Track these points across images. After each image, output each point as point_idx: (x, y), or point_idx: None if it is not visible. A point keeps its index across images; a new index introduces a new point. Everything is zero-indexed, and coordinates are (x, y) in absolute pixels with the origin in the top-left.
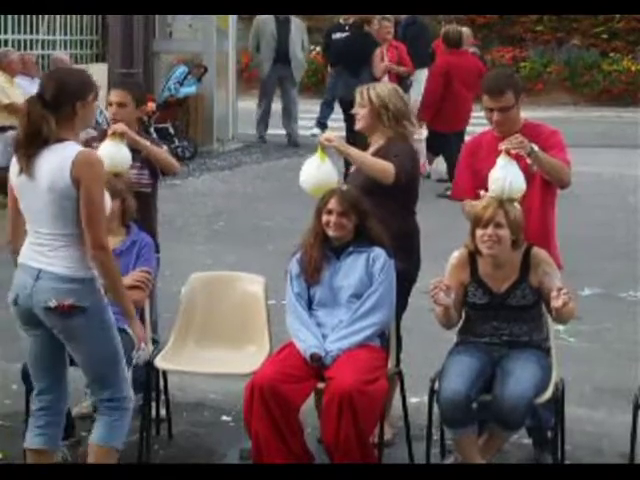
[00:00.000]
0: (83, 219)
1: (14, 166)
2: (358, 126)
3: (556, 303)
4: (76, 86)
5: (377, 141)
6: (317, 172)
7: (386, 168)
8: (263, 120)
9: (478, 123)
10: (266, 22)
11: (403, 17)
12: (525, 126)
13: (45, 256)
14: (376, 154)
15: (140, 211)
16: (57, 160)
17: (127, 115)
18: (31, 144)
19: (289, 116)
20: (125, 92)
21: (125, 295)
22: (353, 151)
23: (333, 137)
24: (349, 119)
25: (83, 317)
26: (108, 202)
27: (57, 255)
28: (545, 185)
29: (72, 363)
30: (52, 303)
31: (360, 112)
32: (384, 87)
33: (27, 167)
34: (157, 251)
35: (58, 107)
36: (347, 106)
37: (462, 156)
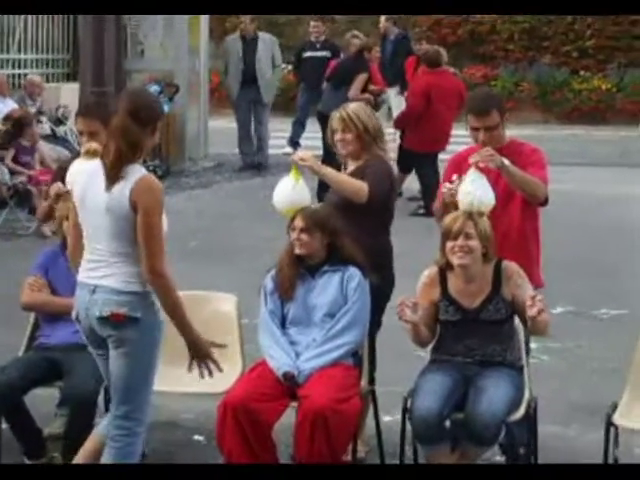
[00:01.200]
0: (140, 244)
1: (77, 179)
2: (345, 151)
3: (531, 311)
4: (156, 107)
5: (356, 162)
6: (291, 192)
7: (359, 187)
8: (244, 144)
9: (455, 142)
10: (233, 41)
11: (393, 32)
12: (509, 144)
13: (100, 272)
14: (354, 174)
15: None
16: (120, 182)
17: (101, 142)
18: (124, 160)
19: (258, 140)
20: (94, 120)
21: (186, 323)
22: (327, 170)
23: (307, 156)
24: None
25: (136, 328)
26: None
27: (112, 270)
28: (526, 203)
29: (43, 383)
30: (105, 312)
31: (347, 137)
32: (361, 109)
33: (111, 183)
34: None
35: (145, 126)
36: (326, 122)
37: (446, 170)
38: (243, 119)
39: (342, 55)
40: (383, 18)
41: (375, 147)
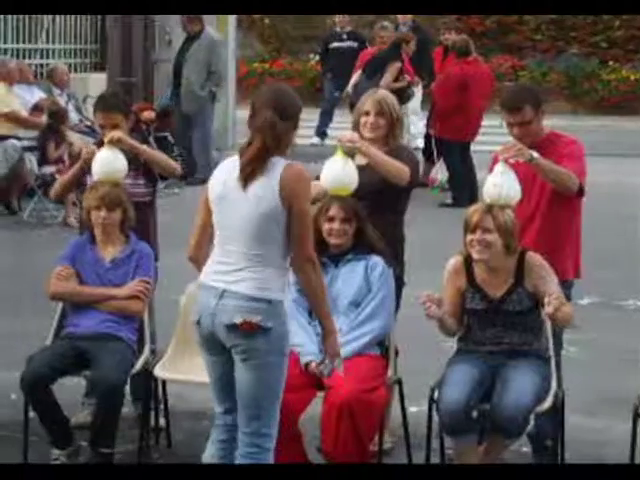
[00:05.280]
0: (293, 234)
1: (218, 175)
2: (374, 135)
3: (548, 309)
4: (297, 101)
5: (379, 148)
6: (341, 172)
7: (404, 169)
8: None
9: (486, 132)
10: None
11: (403, 22)
12: (546, 137)
13: (230, 275)
14: None
15: (137, 220)
16: (267, 178)
17: (124, 133)
18: (267, 155)
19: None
20: (115, 113)
21: (326, 310)
22: (374, 151)
23: (356, 137)
24: None
25: (265, 339)
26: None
27: (243, 275)
28: (557, 195)
29: (70, 373)
30: (237, 319)
31: (380, 122)
32: (393, 97)
33: (247, 180)
34: (156, 259)
35: (286, 121)
36: None
37: (492, 164)
38: (178, 129)
39: (368, 46)
40: None
41: (396, 135)
